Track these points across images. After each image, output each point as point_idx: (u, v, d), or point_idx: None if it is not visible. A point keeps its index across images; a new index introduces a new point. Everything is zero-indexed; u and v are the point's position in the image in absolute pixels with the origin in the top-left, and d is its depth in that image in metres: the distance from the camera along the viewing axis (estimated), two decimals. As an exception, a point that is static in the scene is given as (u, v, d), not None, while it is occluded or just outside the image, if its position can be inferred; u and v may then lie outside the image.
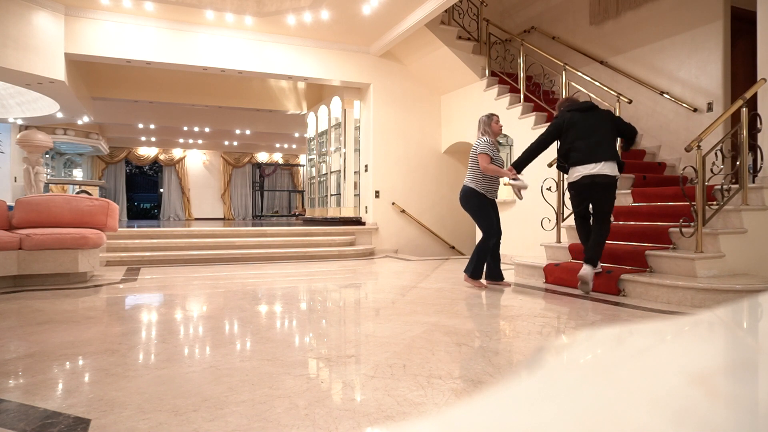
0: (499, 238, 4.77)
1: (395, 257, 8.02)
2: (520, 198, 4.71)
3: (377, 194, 8.80)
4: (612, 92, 5.98)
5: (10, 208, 5.25)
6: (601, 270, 4.42)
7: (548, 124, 6.66)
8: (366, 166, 9.01)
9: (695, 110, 6.16)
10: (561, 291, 4.54)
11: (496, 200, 7.32)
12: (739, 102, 4.41)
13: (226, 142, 17.52)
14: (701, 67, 6.14)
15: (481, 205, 4.65)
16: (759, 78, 4.53)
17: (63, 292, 4.54)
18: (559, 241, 5.58)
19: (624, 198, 5.53)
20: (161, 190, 19.00)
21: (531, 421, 0.31)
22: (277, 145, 18.21)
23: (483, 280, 4.79)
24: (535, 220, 6.34)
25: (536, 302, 4.14)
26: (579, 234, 4.59)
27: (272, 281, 5.50)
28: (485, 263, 4.74)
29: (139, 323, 3.39)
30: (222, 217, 18.75)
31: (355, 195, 9.31)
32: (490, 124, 4.72)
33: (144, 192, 23.92)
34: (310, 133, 11.28)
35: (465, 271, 4.74)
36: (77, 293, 4.49)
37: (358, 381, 2.16)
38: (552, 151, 5.02)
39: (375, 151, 8.82)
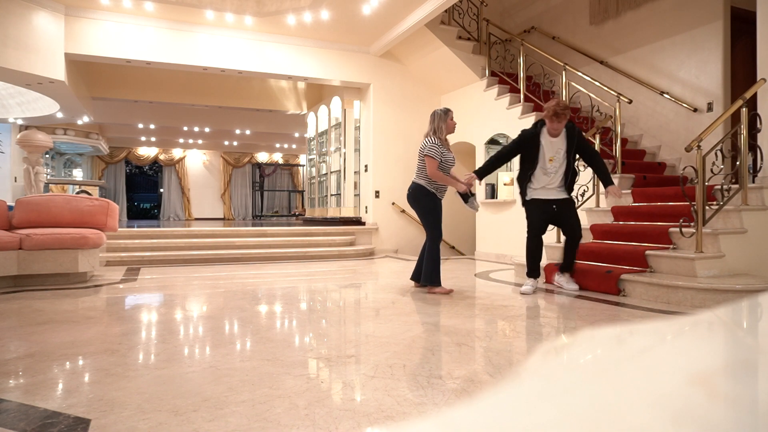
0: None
1: (395, 257, 8.02)
2: (475, 208, 4.53)
3: (377, 194, 8.80)
4: (612, 92, 5.97)
5: (10, 208, 5.25)
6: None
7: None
8: (366, 166, 9.00)
9: (695, 110, 6.16)
10: (561, 291, 4.54)
11: (496, 199, 7.32)
12: (739, 102, 4.41)
13: (226, 142, 17.52)
14: (701, 67, 6.14)
15: (432, 205, 4.42)
16: (759, 78, 4.53)
17: (63, 292, 4.54)
18: (559, 241, 5.58)
19: (624, 198, 5.53)
20: (161, 190, 19.00)
21: (531, 421, 0.31)
22: (277, 145, 18.21)
23: (413, 281, 4.75)
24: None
25: (536, 302, 4.14)
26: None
27: (272, 281, 5.50)
28: (420, 263, 4.56)
29: (139, 323, 3.39)
30: (222, 217, 18.75)
31: (355, 195, 9.31)
32: (446, 120, 4.42)
33: (144, 192, 23.92)
34: (310, 133, 11.28)
35: (425, 283, 4.50)
36: (77, 293, 4.49)
37: (358, 381, 2.16)
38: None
39: (375, 151, 8.82)
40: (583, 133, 4.47)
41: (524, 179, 4.47)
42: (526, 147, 4.39)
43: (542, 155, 4.34)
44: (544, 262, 5.19)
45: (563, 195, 4.45)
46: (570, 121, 4.38)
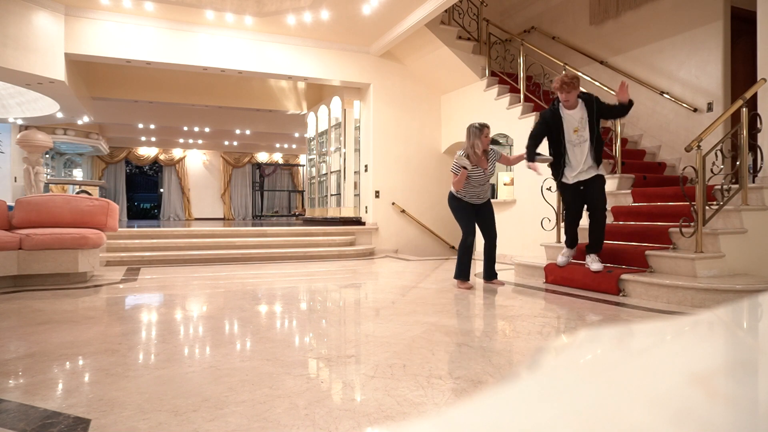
0: (492, 240, 4.89)
1: (395, 257, 8.02)
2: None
3: (377, 194, 8.80)
4: (612, 92, 5.96)
5: (10, 208, 5.25)
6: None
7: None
8: (366, 166, 9.01)
9: (695, 110, 6.16)
10: (561, 291, 4.54)
11: (496, 199, 7.32)
12: (739, 102, 4.41)
13: (226, 142, 17.51)
14: (701, 67, 6.14)
15: (457, 207, 4.80)
16: (759, 78, 4.53)
17: (63, 292, 4.54)
18: (559, 241, 5.58)
19: (624, 198, 5.53)
20: (161, 190, 19.00)
21: (531, 421, 0.31)
22: (277, 145, 18.21)
23: (470, 281, 4.86)
24: (535, 220, 6.34)
25: (536, 302, 4.14)
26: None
27: (272, 281, 5.50)
28: (470, 263, 4.81)
29: (139, 323, 3.39)
30: (222, 217, 18.75)
31: (355, 195, 9.31)
32: (480, 137, 4.60)
33: (144, 192, 23.92)
34: (310, 133, 11.28)
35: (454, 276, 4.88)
36: (77, 293, 4.49)
37: (358, 381, 2.16)
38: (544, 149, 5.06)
39: (375, 151, 8.81)
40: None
41: (558, 160, 4.55)
42: (551, 125, 4.50)
43: (566, 129, 4.46)
44: (543, 262, 5.20)
45: (591, 173, 4.49)
46: (587, 93, 4.52)
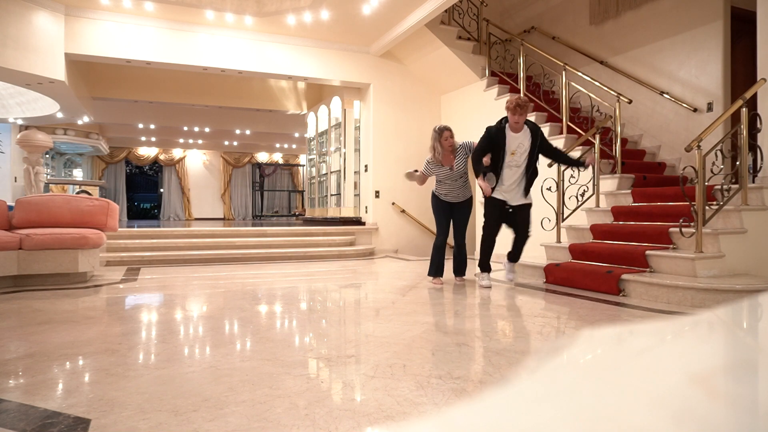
0: (460, 243, 5.02)
1: (395, 257, 8.02)
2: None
3: (377, 194, 8.80)
4: (612, 92, 5.97)
5: (10, 208, 5.25)
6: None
7: (548, 124, 6.67)
8: (366, 166, 9.00)
9: (695, 110, 6.16)
10: (561, 291, 4.54)
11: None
12: (739, 102, 4.41)
13: (226, 142, 17.51)
14: (701, 67, 6.14)
15: (435, 206, 5.00)
16: (759, 78, 4.53)
17: (63, 292, 4.54)
18: (559, 241, 5.58)
19: (624, 198, 5.53)
20: (161, 190, 19.00)
21: (531, 421, 0.31)
22: (277, 145, 18.20)
23: (442, 278, 5.04)
24: (535, 220, 6.31)
25: (536, 302, 4.14)
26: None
27: (272, 281, 5.50)
28: (441, 261, 4.98)
29: (139, 323, 3.39)
30: (222, 217, 18.75)
31: (355, 195, 9.31)
32: (440, 140, 4.76)
33: (144, 192, 23.92)
34: (310, 133, 11.28)
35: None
36: (77, 293, 4.49)
37: (358, 381, 2.16)
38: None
39: (375, 151, 8.81)
40: (546, 137, 4.76)
41: (494, 176, 4.68)
42: (494, 142, 4.59)
43: (507, 149, 4.57)
44: (543, 263, 5.20)
45: (521, 200, 4.63)
46: (533, 123, 4.63)
